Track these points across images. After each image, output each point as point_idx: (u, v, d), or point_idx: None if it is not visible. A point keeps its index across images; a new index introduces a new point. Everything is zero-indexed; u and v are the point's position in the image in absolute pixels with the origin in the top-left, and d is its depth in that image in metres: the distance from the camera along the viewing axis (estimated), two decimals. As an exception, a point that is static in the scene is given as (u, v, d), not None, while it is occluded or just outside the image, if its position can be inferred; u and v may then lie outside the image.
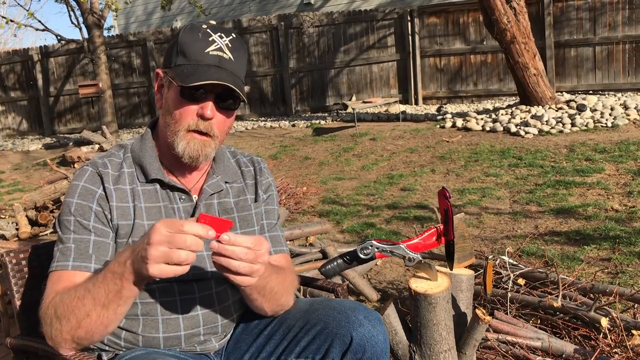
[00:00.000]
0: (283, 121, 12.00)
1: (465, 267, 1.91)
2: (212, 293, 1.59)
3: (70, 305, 1.33)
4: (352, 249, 1.70)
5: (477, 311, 1.79)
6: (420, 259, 1.67)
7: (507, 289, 2.80)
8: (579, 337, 2.45)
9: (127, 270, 1.26)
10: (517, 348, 2.27)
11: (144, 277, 1.24)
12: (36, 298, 1.52)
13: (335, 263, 1.69)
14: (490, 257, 1.75)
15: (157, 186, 1.56)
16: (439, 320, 1.71)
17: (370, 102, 10.26)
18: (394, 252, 1.65)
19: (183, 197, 1.58)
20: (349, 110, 10.39)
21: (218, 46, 1.49)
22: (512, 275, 2.86)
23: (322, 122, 11.34)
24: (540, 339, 2.33)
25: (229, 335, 1.72)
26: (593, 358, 2.07)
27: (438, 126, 9.39)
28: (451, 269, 1.83)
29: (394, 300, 1.86)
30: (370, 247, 1.65)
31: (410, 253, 1.66)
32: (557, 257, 3.89)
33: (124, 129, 13.51)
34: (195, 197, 1.61)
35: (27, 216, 5.34)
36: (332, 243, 4.12)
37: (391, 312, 1.78)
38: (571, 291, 2.72)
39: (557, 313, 2.60)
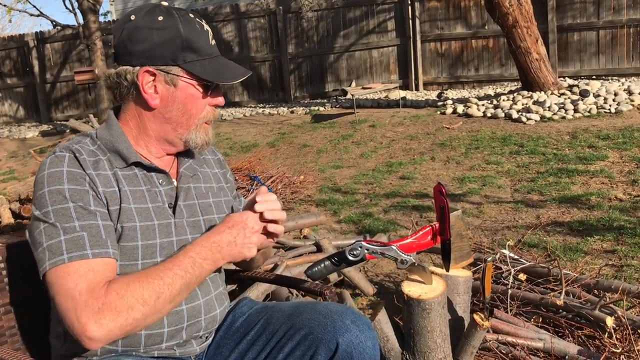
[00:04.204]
0: (282, 107, 11.84)
1: (463, 268, 1.79)
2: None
3: (156, 290, 1.33)
4: (340, 250, 1.58)
5: (475, 316, 1.67)
6: (414, 261, 1.55)
7: (508, 285, 2.68)
8: (583, 337, 2.34)
9: (220, 256, 1.41)
10: (517, 350, 2.16)
11: (238, 260, 1.44)
12: None
13: (322, 265, 1.58)
14: (489, 259, 1.62)
15: (136, 170, 1.51)
16: (433, 327, 1.59)
17: (369, 88, 10.10)
18: (385, 253, 1.53)
19: (163, 180, 1.54)
20: (349, 96, 10.24)
21: (210, 34, 1.54)
22: (512, 270, 2.74)
23: (321, 108, 11.19)
24: (542, 340, 2.21)
25: (210, 339, 1.63)
26: (598, 362, 1.96)
27: (438, 112, 9.24)
28: (447, 270, 1.71)
29: (387, 302, 1.73)
30: (359, 249, 1.53)
31: (403, 255, 1.54)
32: (559, 249, 3.77)
33: (121, 115, 13.34)
34: (174, 181, 1.57)
35: (10, 209, 5.20)
36: (327, 236, 4.01)
37: (382, 318, 1.66)
38: (575, 287, 2.61)
39: (560, 311, 2.49)
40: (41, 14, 11.68)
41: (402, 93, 11.13)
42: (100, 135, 1.52)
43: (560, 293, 2.51)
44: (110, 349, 1.44)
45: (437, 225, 1.70)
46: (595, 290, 2.63)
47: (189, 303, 1.51)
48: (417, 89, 12.10)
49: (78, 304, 1.27)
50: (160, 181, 1.53)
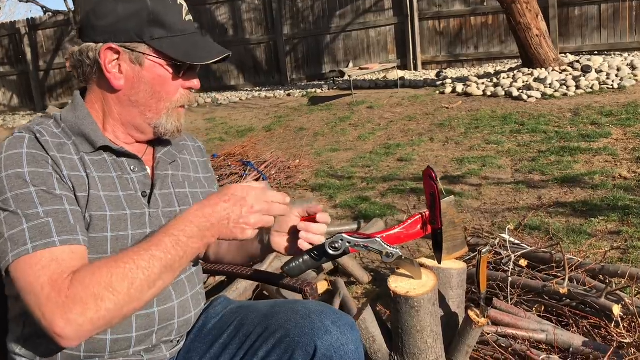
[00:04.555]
0: (278, 90, 11.65)
1: (457, 259, 1.64)
2: (170, 286, 1.40)
3: (129, 276, 1.16)
4: (320, 244, 1.43)
5: (470, 313, 1.52)
6: (401, 254, 1.40)
7: (508, 272, 2.54)
8: (588, 327, 2.19)
9: (209, 233, 1.23)
10: (518, 343, 2.02)
11: (227, 239, 1.27)
12: None
13: (300, 260, 1.43)
14: (484, 250, 1.47)
15: (105, 155, 1.37)
16: (423, 326, 1.45)
17: (367, 69, 9.90)
18: (369, 246, 1.38)
19: (135, 166, 1.41)
20: (346, 77, 10.04)
21: (185, 9, 1.40)
22: (513, 256, 2.60)
23: (318, 90, 11.00)
24: (545, 331, 2.07)
25: (181, 343, 1.49)
26: (607, 357, 1.81)
27: (437, 92, 9.06)
28: (439, 262, 1.56)
29: (383, 291, 1.58)
30: (340, 241, 1.38)
31: (388, 247, 1.39)
32: (562, 232, 3.62)
33: (116, 102, 13.15)
34: (147, 167, 1.43)
35: None
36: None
37: (368, 317, 1.51)
38: (579, 273, 2.46)
39: (564, 299, 2.34)
40: (30, 0, 11.45)
41: (401, 73, 10.93)
42: (65, 117, 1.38)
43: (563, 280, 2.37)
44: (72, 354, 1.30)
45: (427, 213, 1.55)
46: (601, 276, 2.49)
47: (161, 305, 1.38)
48: (415, 69, 11.88)
49: (40, 299, 1.12)
50: (132, 167, 1.40)
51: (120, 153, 1.38)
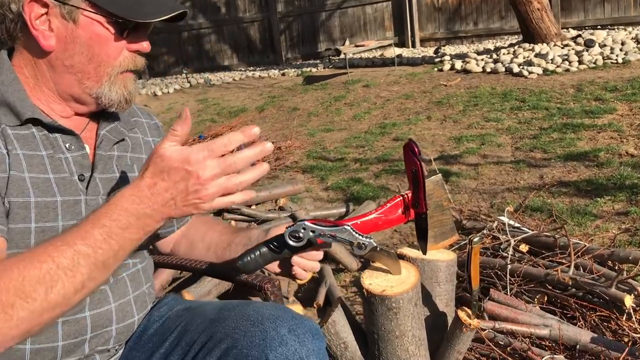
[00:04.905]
0: (272, 70, 11.35)
1: (446, 248, 1.40)
2: (106, 286, 1.19)
3: (46, 278, 0.92)
4: (279, 233, 1.19)
5: (460, 313, 1.28)
6: (375, 244, 1.17)
7: (507, 258, 2.30)
8: (596, 320, 1.96)
9: (152, 221, 0.98)
10: (518, 340, 1.79)
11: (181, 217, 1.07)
12: None
13: (257, 253, 1.19)
14: (476, 239, 1.22)
15: (34, 130, 1.14)
16: (403, 331, 1.21)
17: (363, 46, 9.60)
18: (337, 236, 1.14)
19: (71, 144, 1.18)
20: (342, 56, 9.75)
21: None
22: (512, 240, 2.36)
23: (314, 69, 10.71)
24: (548, 326, 1.84)
25: (120, 351, 1.26)
26: (623, 357, 1.58)
27: (436, 69, 8.78)
28: (424, 253, 1.33)
29: (342, 301, 1.35)
30: (302, 230, 1.14)
31: (360, 237, 1.15)
32: (565, 213, 3.38)
33: (107, 84, 12.85)
34: (87, 146, 1.21)
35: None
36: (303, 206, 3.62)
37: (338, 319, 1.28)
38: (585, 259, 2.22)
39: (569, 288, 2.11)
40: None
41: (398, 50, 10.62)
42: None
43: (568, 267, 2.13)
44: None
45: (410, 194, 1.31)
46: (610, 262, 2.25)
47: (95, 308, 1.16)
48: (413, 46, 11.56)
49: None
50: (67, 145, 1.17)
51: (52, 128, 1.15)
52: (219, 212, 3.22)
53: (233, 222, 3.20)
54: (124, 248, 0.97)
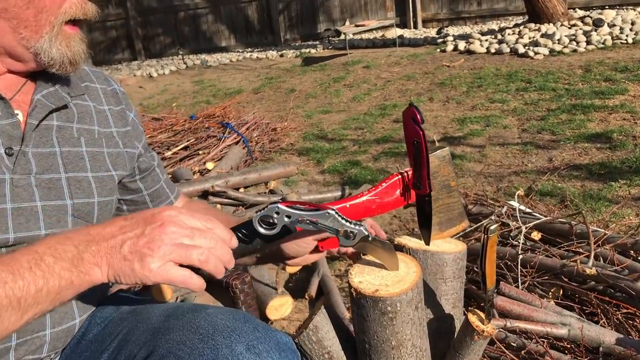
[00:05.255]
0: (270, 51, 11.07)
1: (453, 237, 1.17)
2: None
3: None
4: (247, 219, 0.96)
5: (471, 317, 1.05)
6: (366, 233, 0.93)
7: (518, 247, 2.07)
8: (621, 318, 1.73)
9: (89, 257, 0.79)
10: (533, 341, 1.56)
11: (120, 280, 0.80)
12: None
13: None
14: (492, 226, 0.98)
15: None
16: (401, 341, 0.98)
17: (363, 25, 9.32)
18: (318, 223, 0.91)
19: None
20: (342, 37, 9.46)
21: None
22: (523, 227, 2.13)
23: (313, 50, 10.44)
24: (567, 325, 1.61)
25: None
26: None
27: (438, 50, 8.53)
28: (427, 243, 1.10)
29: (325, 302, 1.11)
30: (275, 215, 0.91)
31: (348, 224, 0.92)
32: (578, 197, 3.14)
33: (102, 65, 12.57)
34: (19, 113, 1.00)
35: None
36: (296, 190, 3.38)
37: (322, 324, 1.04)
38: (606, 249, 1.99)
39: (588, 281, 1.88)
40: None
41: (400, 31, 10.33)
42: None
43: (587, 257, 1.90)
44: None
45: (411, 172, 1.07)
46: (633, 252, 2.01)
47: None
48: (415, 27, 11.26)
49: None
50: None
51: None
52: (203, 196, 3.00)
53: (219, 206, 2.98)
54: (48, 286, 0.76)
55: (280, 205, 0.91)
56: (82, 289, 0.80)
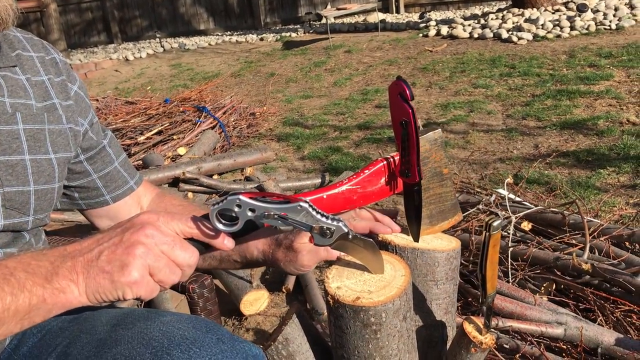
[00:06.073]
0: (250, 35, 10.83)
1: (445, 232, 1.02)
2: None
3: None
4: (204, 213, 0.81)
5: (467, 326, 0.91)
6: (345, 229, 0.79)
7: (507, 238, 1.95)
8: (619, 316, 1.61)
9: (64, 272, 0.69)
10: (527, 343, 1.43)
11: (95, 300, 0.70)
12: None
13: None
14: (496, 222, 0.82)
15: None
16: (386, 357, 0.83)
17: (344, 9, 9.13)
18: (288, 218, 0.76)
19: None
20: (323, 21, 9.27)
21: None
22: (513, 217, 2.00)
23: (294, 34, 10.23)
24: (563, 324, 1.49)
25: None
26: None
27: (421, 35, 8.39)
28: (416, 239, 0.96)
29: (299, 308, 0.96)
30: (237, 209, 0.76)
31: (324, 219, 0.77)
32: (566, 185, 3.04)
33: (77, 48, 12.22)
34: None
35: None
36: (273, 176, 3.22)
37: (293, 335, 0.89)
38: (601, 241, 1.87)
39: (582, 275, 1.76)
40: None
41: (382, 16, 10.17)
42: None
43: (582, 250, 1.78)
44: None
45: (397, 158, 0.93)
46: (628, 244, 1.90)
47: None
48: (397, 11, 11.11)
49: None
50: None
51: None
52: (174, 183, 2.83)
53: (190, 195, 2.81)
54: (17, 302, 0.66)
55: (242, 197, 0.76)
56: (56, 311, 0.69)
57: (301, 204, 0.76)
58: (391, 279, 0.87)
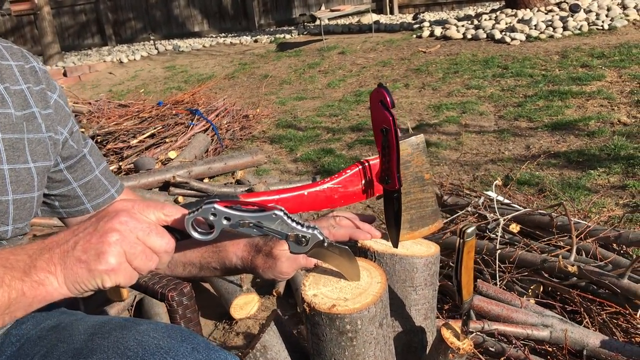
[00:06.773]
0: (244, 37, 10.83)
1: (425, 238, 1.03)
2: None
3: None
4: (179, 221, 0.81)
5: (445, 331, 0.91)
6: (320, 237, 0.79)
7: (495, 240, 1.95)
8: (605, 318, 1.62)
9: (42, 264, 0.69)
10: (513, 346, 1.44)
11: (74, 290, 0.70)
12: None
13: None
14: (470, 229, 0.83)
15: None
16: (363, 363, 0.84)
17: (338, 10, 9.14)
18: (263, 225, 0.76)
19: None
20: (317, 22, 9.27)
21: None
22: (501, 219, 2.01)
23: (288, 36, 10.23)
24: (549, 327, 1.50)
25: None
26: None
27: (414, 36, 8.39)
28: (395, 245, 0.96)
29: (277, 315, 0.96)
30: (212, 217, 0.76)
31: (299, 226, 0.78)
32: (556, 186, 3.04)
33: (71, 51, 12.20)
34: None
35: None
36: (264, 180, 3.22)
37: (271, 343, 0.89)
38: (588, 243, 1.88)
39: (570, 277, 1.76)
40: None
41: (376, 17, 10.17)
42: None
43: (569, 252, 1.79)
44: None
45: (373, 163, 0.93)
46: (615, 245, 1.91)
47: None
48: (391, 13, 11.11)
49: None
50: None
51: None
52: (164, 187, 2.82)
53: (180, 199, 2.81)
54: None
55: (217, 206, 0.76)
56: (37, 304, 0.69)
57: (276, 212, 0.76)
58: (367, 286, 0.88)
